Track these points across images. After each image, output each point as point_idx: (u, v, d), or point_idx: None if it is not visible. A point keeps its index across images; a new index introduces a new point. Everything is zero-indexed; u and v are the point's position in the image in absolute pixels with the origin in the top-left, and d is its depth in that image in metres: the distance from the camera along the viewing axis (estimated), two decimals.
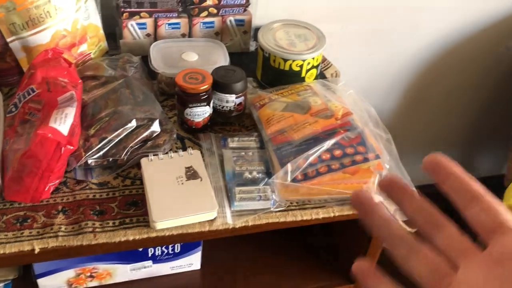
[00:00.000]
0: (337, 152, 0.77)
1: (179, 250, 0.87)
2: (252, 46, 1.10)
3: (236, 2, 1.02)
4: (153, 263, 0.88)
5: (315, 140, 0.79)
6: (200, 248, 0.89)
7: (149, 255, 0.86)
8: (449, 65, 1.45)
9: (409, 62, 1.41)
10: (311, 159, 0.76)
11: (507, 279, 0.26)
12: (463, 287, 0.27)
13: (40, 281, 0.83)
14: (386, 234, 0.31)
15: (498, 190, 1.48)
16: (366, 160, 0.77)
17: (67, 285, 0.86)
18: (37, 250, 0.67)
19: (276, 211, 0.75)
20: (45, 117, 0.72)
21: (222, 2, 1.01)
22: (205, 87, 0.82)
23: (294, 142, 0.79)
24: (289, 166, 0.75)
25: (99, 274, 0.86)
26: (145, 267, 0.88)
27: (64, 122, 0.70)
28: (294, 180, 0.75)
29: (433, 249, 0.30)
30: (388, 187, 0.32)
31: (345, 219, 0.77)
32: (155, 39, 1.02)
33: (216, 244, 0.91)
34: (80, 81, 0.81)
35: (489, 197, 0.29)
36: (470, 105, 1.60)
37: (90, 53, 0.95)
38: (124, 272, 0.87)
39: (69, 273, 0.84)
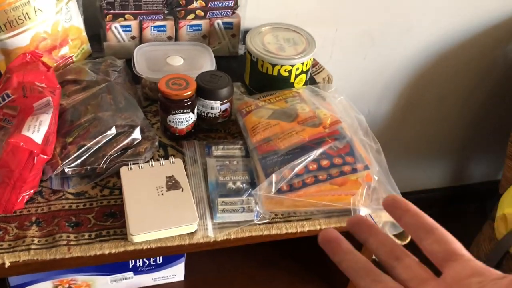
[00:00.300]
0: (325, 162, 0.74)
1: (161, 261, 0.84)
2: (241, 50, 1.06)
3: (224, 4, 0.99)
4: (134, 274, 0.85)
5: (302, 149, 0.75)
6: (183, 259, 0.86)
7: (130, 266, 0.83)
8: (444, 69, 1.42)
9: (403, 66, 1.38)
10: (297, 169, 0.73)
11: None
12: None
13: None
14: (351, 266, 0.33)
15: (493, 196, 1.46)
16: (354, 170, 0.74)
17: None
18: (7, 264, 0.64)
19: (260, 224, 0.72)
20: (19, 124, 0.69)
21: (209, 5, 0.98)
22: (188, 93, 0.79)
23: (280, 151, 0.76)
24: (273, 177, 0.72)
25: (78, 286, 0.83)
26: (126, 279, 0.85)
27: (38, 130, 0.67)
28: (279, 191, 0.72)
29: (394, 279, 0.32)
30: (356, 225, 0.35)
31: None
32: (141, 42, 0.99)
33: (200, 255, 0.87)
34: (58, 86, 0.78)
35: (441, 230, 0.32)
36: (465, 109, 1.57)
37: (72, 56, 0.92)
38: (104, 283, 0.84)
39: (47, 285, 0.81)
